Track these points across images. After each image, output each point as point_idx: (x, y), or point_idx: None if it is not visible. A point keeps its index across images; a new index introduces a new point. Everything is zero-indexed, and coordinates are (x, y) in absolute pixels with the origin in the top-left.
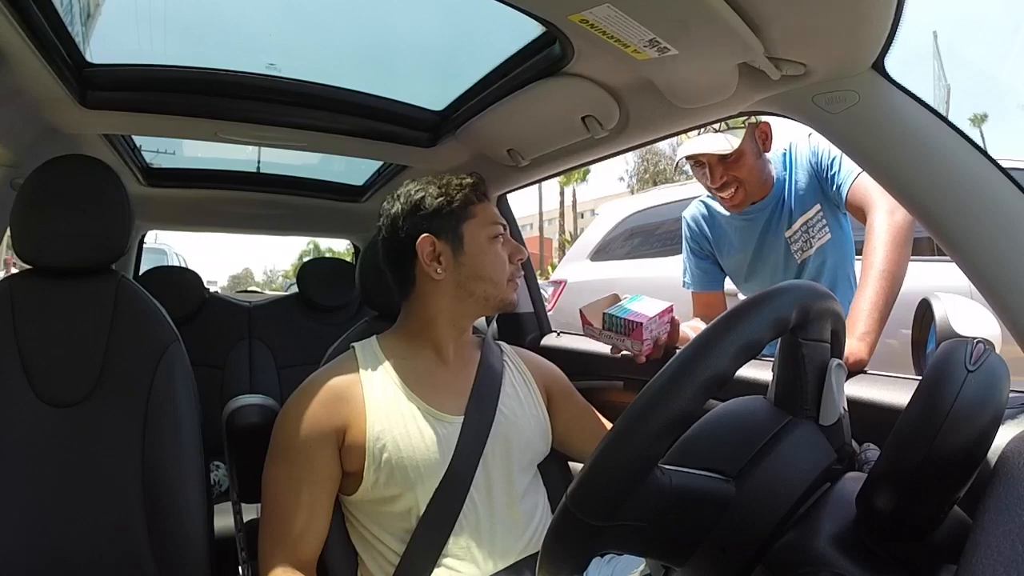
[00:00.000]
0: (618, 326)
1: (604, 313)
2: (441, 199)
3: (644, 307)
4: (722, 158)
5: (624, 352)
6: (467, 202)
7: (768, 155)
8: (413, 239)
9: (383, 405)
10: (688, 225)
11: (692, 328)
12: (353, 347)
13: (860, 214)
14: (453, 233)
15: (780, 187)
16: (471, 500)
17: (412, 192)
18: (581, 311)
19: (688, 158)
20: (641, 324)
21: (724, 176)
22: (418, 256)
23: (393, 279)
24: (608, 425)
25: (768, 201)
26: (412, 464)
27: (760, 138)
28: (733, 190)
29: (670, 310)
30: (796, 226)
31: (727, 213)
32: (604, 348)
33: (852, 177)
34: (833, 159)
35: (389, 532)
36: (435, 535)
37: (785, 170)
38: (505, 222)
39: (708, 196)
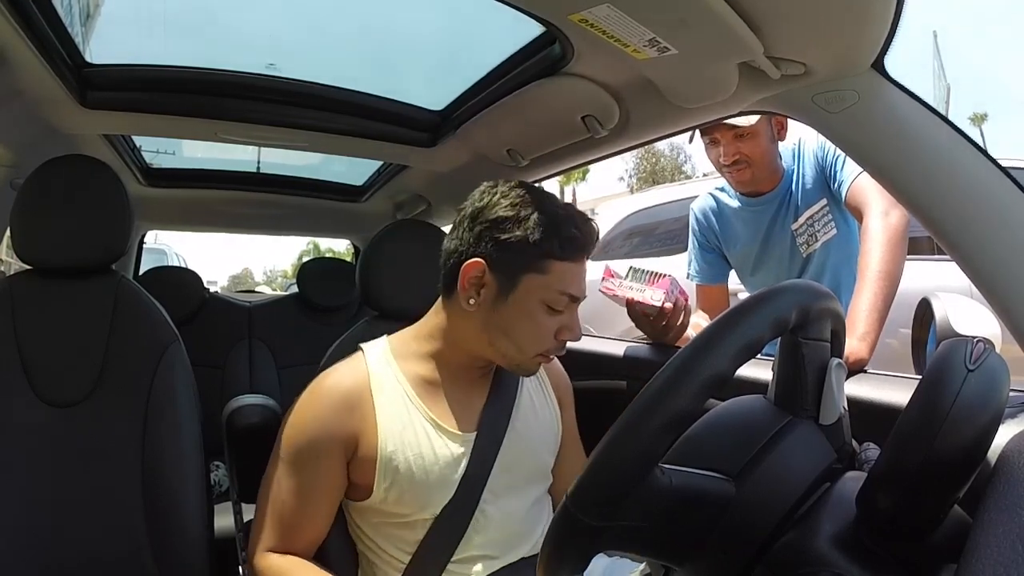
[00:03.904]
0: (644, 277)
1: (630, 267)
2: (520, 233)
3: None
4: (736, 135)
5: (641, 302)
6: (546, 254)
7: (780, 148)
8: (469, 253)
9: (395, 420)
10: (696, 217)
11: (694, 327)
12: (362, 349)
13: (858, 214)
14: (508, 275)
15: (788, 180)
16: (480, 513)
17: (501, 202)
18: (607, 265)
19: (704, 135)
20: (669, 276)
21: (736, 153)
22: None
23: (442, 275)
24: (584, 457)
25: (776, 193)
26: (424, 484)
27: (776, 126)
28: (743, 168)
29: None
30: (801, 220)
31: (736, 205)
32: (604, 348)
33: (852, 177)
34: (837, 157)
35: (393, 543)
36: (442, 546)
37: (794, 163)
38: (582, 294)
39: (717, 188)
